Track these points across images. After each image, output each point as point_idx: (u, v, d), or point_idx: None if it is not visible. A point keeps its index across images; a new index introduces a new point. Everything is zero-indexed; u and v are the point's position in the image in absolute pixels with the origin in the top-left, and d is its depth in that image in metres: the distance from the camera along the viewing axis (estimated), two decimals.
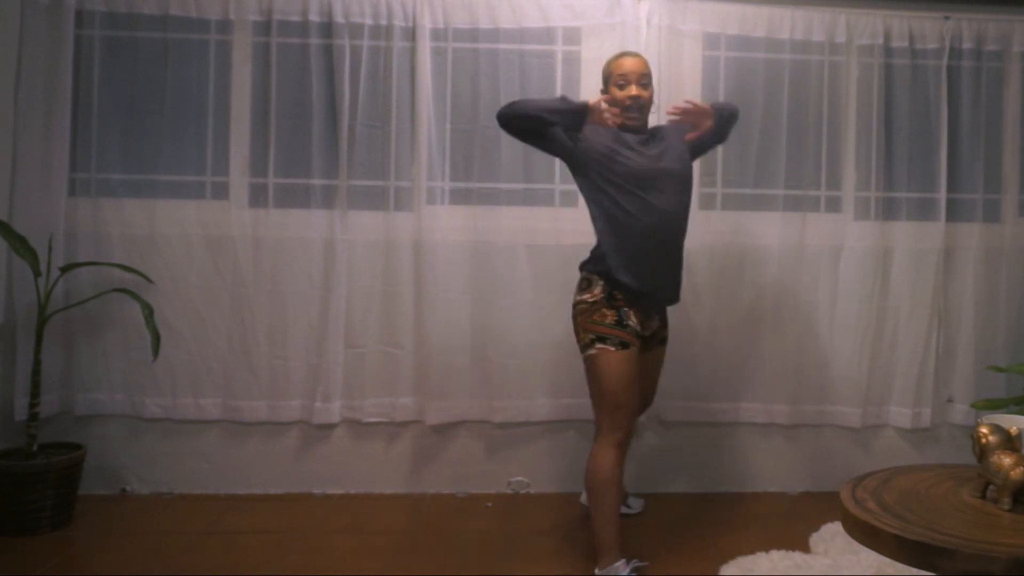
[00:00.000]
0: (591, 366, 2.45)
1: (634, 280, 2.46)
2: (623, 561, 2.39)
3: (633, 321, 2.47)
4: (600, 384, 2.43)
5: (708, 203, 3.32)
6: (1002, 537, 1.64)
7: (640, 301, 2.49)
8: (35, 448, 2.86)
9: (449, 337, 3.20)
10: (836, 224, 3.33)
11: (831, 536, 2.74)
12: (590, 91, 3.24)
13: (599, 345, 2.43)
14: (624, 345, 2.43)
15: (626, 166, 2.47)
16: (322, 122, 3.19)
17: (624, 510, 2.74)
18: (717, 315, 3.28)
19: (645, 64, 2.62)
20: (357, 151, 3.18)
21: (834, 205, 3.36)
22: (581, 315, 2.49)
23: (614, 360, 2.41)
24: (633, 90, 2.55)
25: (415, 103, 3.19)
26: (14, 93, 3.07)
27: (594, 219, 2.54)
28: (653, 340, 2.66)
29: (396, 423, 3.25)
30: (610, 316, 2.45)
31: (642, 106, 2.58)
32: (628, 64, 2.59)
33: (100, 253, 3.11)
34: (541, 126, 2.48)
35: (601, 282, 2.48)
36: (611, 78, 2.62)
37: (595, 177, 2.51)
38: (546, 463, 3.30)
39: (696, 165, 3.26)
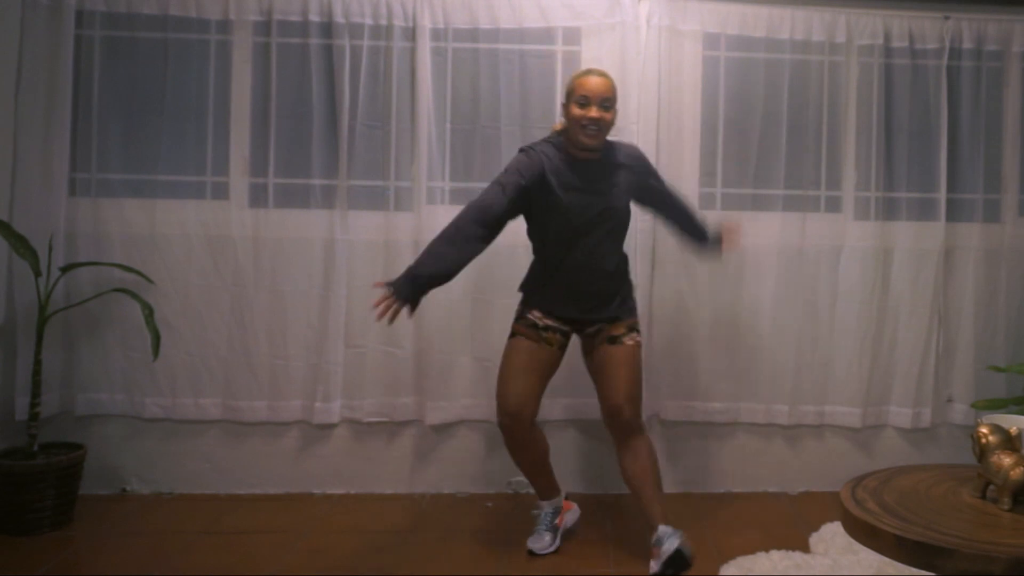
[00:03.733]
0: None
1: (539, 292, 2.68)
2: (546, 502, 2.80)
3: (533, 315, 2.66)
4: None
5: (708, 203, 3.32)
6: (1002, 537, 1.64)
7: (544, 304, 2.67)
8: (35, 448, 2.86)
9: (449, 337, 3.20)
10: (836, 224, 3.33)
11: (831, 536, 2.74)
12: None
13: (510, 338, 2.70)
14: (512, 335, 2.69)
15: (570, 206, 2.56)
16: (322, 122, 3.19)
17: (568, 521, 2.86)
18: (717, 315, 3.28)
19: (610, 86, 2.59)
20: (357, 151, 3.18)
21: (834, 205, 3.35)
22: None
23: (504, 352, 2.68)
24: (593, 112, 2.53)
25: (415, 103, 3.19)
26: (14, 93, 3.07)
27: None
28: (595, 340, 2.67)
29: (396, 423, 3.25)
30: (516, 314, 2.72)
31: (600, 129, 2.55)
32: (592, 84, 2.56)
33: (100, 253, 3.11)
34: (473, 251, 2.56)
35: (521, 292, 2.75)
36: (572, 95, 2.57)
37: (537, 210, 2.62)
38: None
39: (696, 165, 3.29)
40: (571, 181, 2.58)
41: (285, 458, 3.24)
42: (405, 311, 2.44)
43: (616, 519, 3.01)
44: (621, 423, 2.61)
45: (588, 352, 2.73)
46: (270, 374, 3.20)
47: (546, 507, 2.78)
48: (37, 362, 2.88)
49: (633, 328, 2.70)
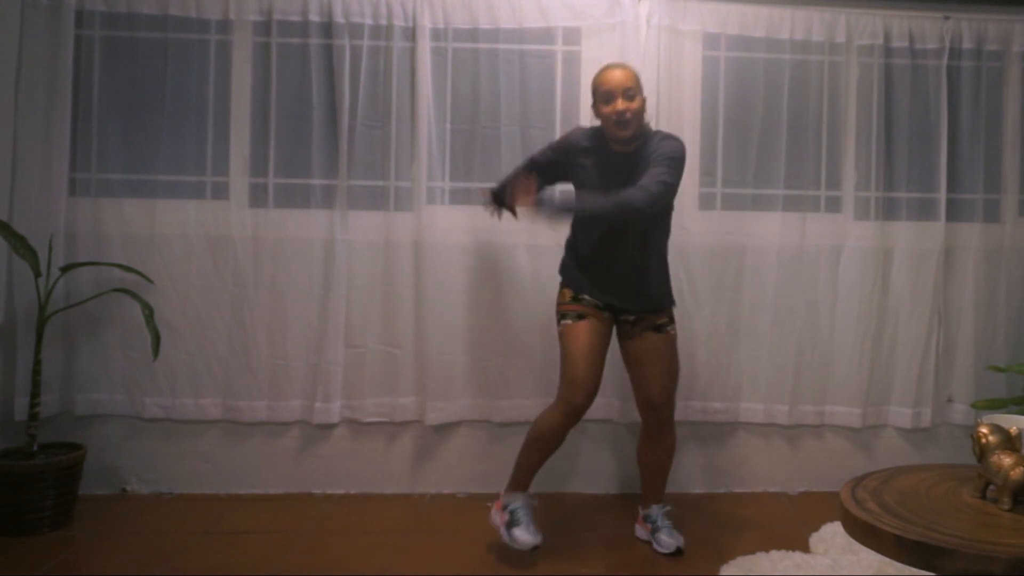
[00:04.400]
0: (559, 341, 2.68)
1: (583, 289, 2.68)
2: (524, 495, 2.70)
3: (589, 297, 2.65)
4: (561, 355, 2.65)
5: (708, 203, 3.32)
6: (1002, 537, 1.64)
7: (587, 288, 2.67)
8: (35, 448, 2.86)
9: (449, 337, 3.20)
10: (836, 224, 3.33)
11: (831, 536, 2.74)
12: (589, 91, 3.24)
13: (563, 321, 2.67)
14: (579, 316, 2.64)
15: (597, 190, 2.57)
16: (322, 122, 3.19)
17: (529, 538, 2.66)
18: (717, 315, 3.28)
19: (631, 76, 2.61)
20: (357, 151, 3.18)
21: (834, 205, 3.35)
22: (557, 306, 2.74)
23: (569, 334, 2.63)
24: (619, 104, 2.56)
25: (415, 103, 3.19)
26: (14, 93, 3.07)
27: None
28: (637, 327, 2.69)
29: (396, 423, 3.25)
30: (565, 295, 2.70)
31: (628, 120, 2.57)
32: (611, 79, 2.59)
33: (100, 253, 3.11)
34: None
35: (560, 276, 2.76)
36: (597, 94, 2.63)
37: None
38: (546, 463, 3.29)
39: (696, 165, 3.29)
40: (606, 166, 2.61)
41: (285, 458, 3.24)
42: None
43: (615, 519, 3.00)
44: (657, 417, 2.71)
45: (627, 338, 2.73)
46: (270, 374, 3.20)
47: (524, 499, 2.69)
48: (37, 362, 2.88)
49: (673, 320, 2.74)
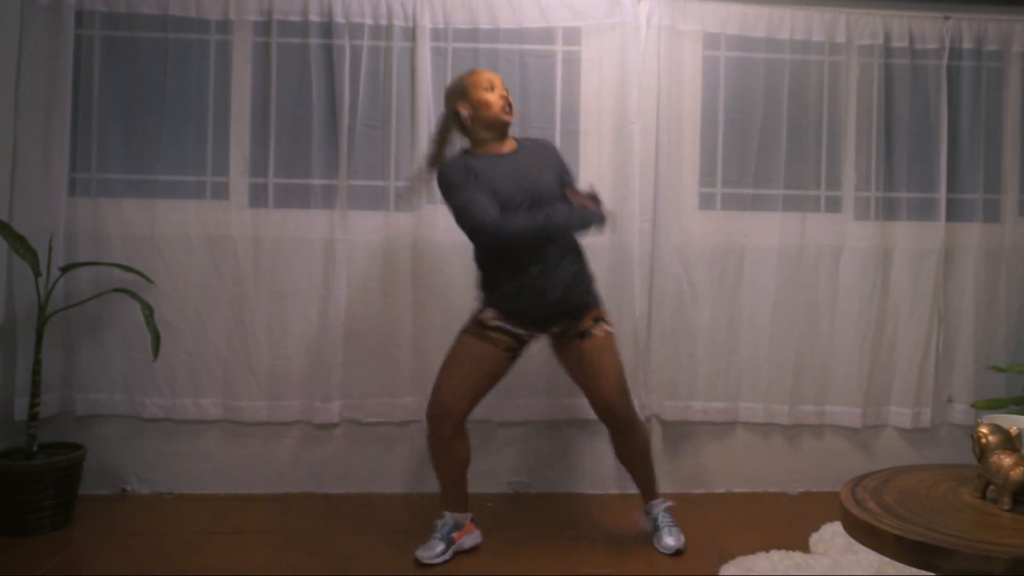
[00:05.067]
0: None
1: (492, 293, 2.64)
2: (449, 514, 2.68)
3: (485, 315, 2.63)
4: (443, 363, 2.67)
5: (708, 203, 3.32)
6: (1002, 537, 1.64)
7: (499, 303, 2.62)
8: (35, 448, 2.86)
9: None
10: (836, 224, 3.33)
11: (831, 536, 2.74)
12: (589, 91, 3.25)
13: (463, 332, 2.67)
14: (462, 331, 2.67)
15: (493, 196, 2.52)
16: (322, 122, 3.19)
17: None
18: (717, 315, 3.28)
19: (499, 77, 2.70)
20: (357, 151, 3.18)
21: (834, 205, 3.35)
22: None
23: (458, 343, 2.65)
24: (504, 91, 2.63)
25: (415, 103, 3.19)
26: (14, 93, 3.07)
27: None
28: (563, 339, 2.67)
29: (396, 423, 3.25)
30: (487, 312, 2.65)
31: (511, 105, 2.64)
32: (486, 74, 2.66)
33: (100, 253, 3.11)
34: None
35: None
36: (476, 88, 2.61)
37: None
38: (546, 463, 3.30)
39: (696, 165, 3.29)
40: (494, 171, 2.57)
41: (285, 458, 3.24)
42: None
43: (616, 519, 3.00)
44: (616, 421, 2.68)
45: (561, 353, 2.71)
46: (270, 374, 3.20)
47: (448, 518, 2.68)
48: (37, 362, 2.88)
49: (600, 319, 2.68)
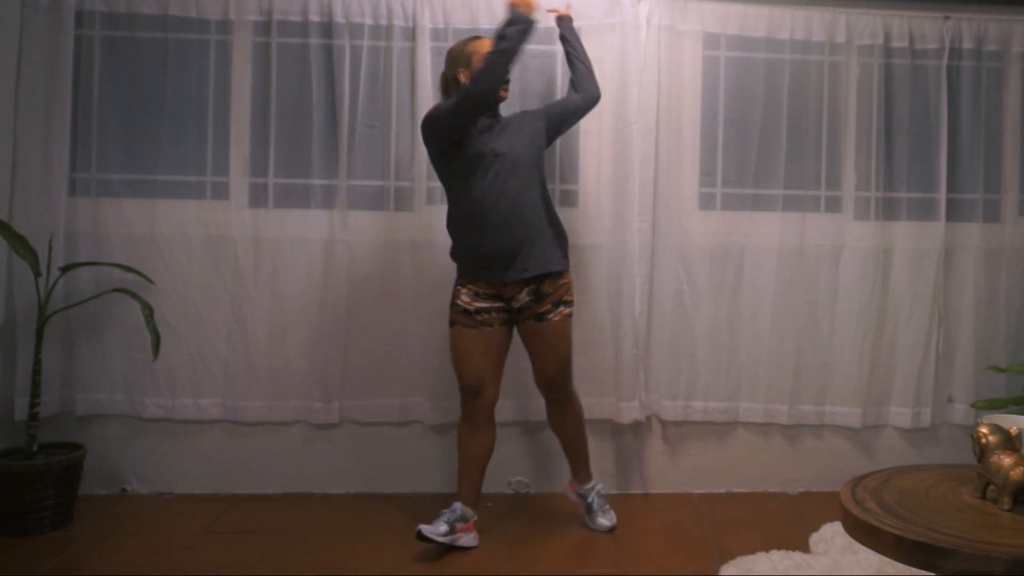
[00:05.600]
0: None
1: (459, 255, 2.79)
2: (459, 504, 2.75)
3: (462, 300, 2.75)
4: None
5: (708, 203, 3.32)
6: (1002, 537, 1.64)
7: (471, 276, 2.75)
8: (35, 448, 2.86)
9: (448, 337, 3.20)
10: (836, 224, 3.33)
11: (831, 536, 2.74)
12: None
13: (451, 325, 2.79)
14: (451, 323, 2.77)
15: (471, 149, 2.68)
16: (322, 122, 3.19)
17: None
18: (717, 315, 3.28)
19: None
20: (357, 151, 3.18)
21: (834, 205, 3.35)
22: None
23: (449, 337, 2.78)
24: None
25: (415, 103, 3.19)
26: (14, 93, 3.07)
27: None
28: (522, 315, 2.77)
29: (396, 423, 3.25)
30: (458, 293, 2.78)
31: (507, 80, 2.73)
32: (485, 43, 2.70)
33: (100, 253, 3.11)
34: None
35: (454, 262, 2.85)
36: (475, 56, 2.70)
37: (447, 160, 2.73)
38: (546, 463, 3.30)
39: (695, 165, 3.29)
40: (473, 130, 2.70)
41: (285, 458, 3.24)
42: None
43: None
44: (555, 393, 2.88)
45: (518, 326, 2.83)
46: (270, 374, 3.19)
47: (458, 508, 2.73)
48: (37, 362, 2.88)
49: (560, 302, 2.77)
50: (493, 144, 2.70)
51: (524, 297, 2.74)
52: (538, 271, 2.73)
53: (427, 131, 2.73)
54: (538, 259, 2.72)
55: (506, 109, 3.19)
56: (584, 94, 2.95)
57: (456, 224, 2.78)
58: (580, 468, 2.97)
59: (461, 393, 2.77)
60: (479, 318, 2.73)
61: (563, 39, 2.97)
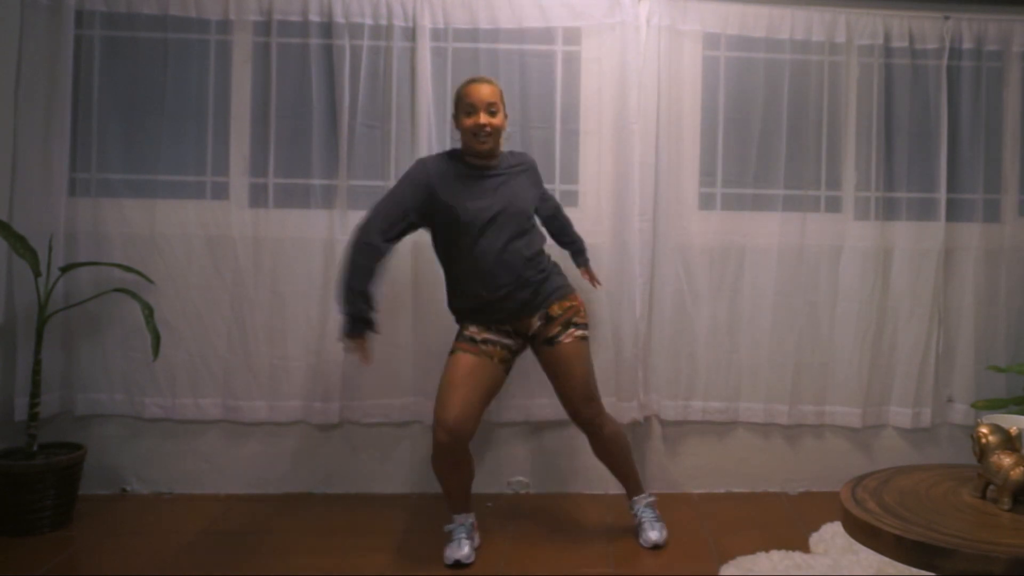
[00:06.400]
0: None
1: (462, 304, 2.69)
2: (463, 515, 2.70)
3: (470, 331, 2.66)
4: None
5: (708, 203, 3.32)
6: (1002, 537, 1.64)
7: (475, 317, 2.67)
8: (35, 448, 2.86)
9: (448, 337, 3.18)
10: (836, 224, 3.33)
11: (831, 536, 2.74)
12: (589, 91, 3.25)
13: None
14: (451, 352, 2.66)
15: (464, 213, 2.58)
16: (322, 122, 3.19)
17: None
18: (717, 315, 3.28)
19: (494, 91, 2.64)
20: (357, 151, 3.18)
21: (834, 205, 3.35)
22: None
23: (445, 367, 2.65)
24: (482, 118, 2.58)
25: (415, 103, 3.19)
26: (14, 93, 3.07)
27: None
28: (536, 342, 2.71)
29: (396, 423, 3.25)
30: (459, 329, 2.71)
31: (488, 134, 2.60)
32: (476, 92, 2.61)
33: (100, 253, 3.11)
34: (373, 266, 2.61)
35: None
36: (460, 104, 2.64)
37: (438, 225, 2.67)
38: (546, 463, 3.30)
39: (696, 165, 3.29)
40: (464, 189, 2.62)
41: (285, 458, 3.24)
42: (369, 338, 2.60)
43: (616, 519, 3.00)
44: (583, 422, 2.75)
45: (535, 354, 2.75)
46: (270, 374, 3.19)
47: (461, 519, 2.70)
48: (37, 362, 2.88)
49: (570, 324, 2.69)
50: (486, 205, 2.60)
51: (536, 322, 2.69)
52: (551, 301, 2.69)
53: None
54: (546, 294, 2.68)
55: (509, 108, 3.21)
56: (560, 226, 2.98)
57: (458, 282, 2.69)
58: (630, 487, 2.87)
59: (436, 430, 2.54)
60: (484, 348, 2.63)
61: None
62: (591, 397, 2.73)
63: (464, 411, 2.54)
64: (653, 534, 2.76)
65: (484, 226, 2.59)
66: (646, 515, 2.82)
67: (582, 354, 2.71)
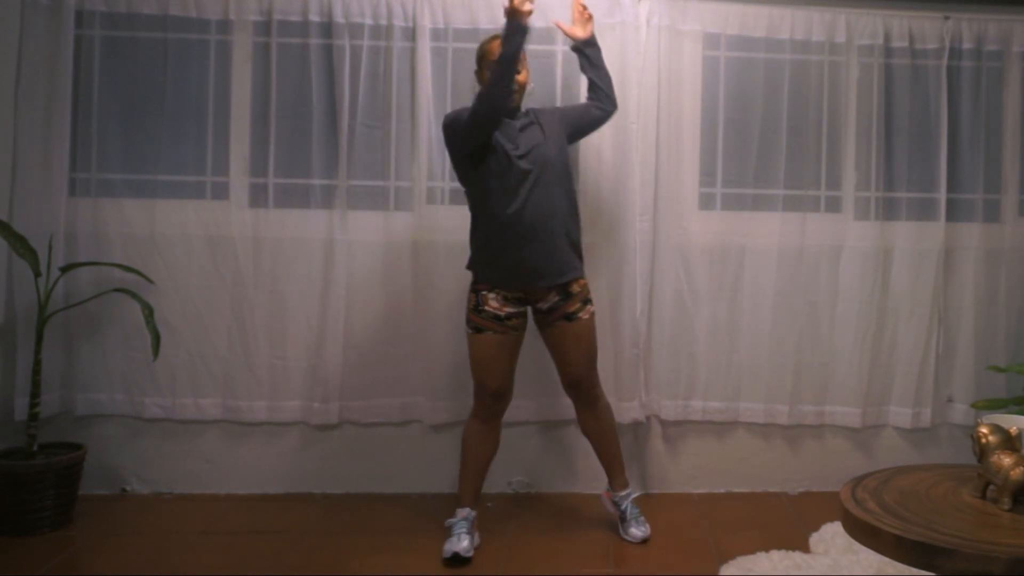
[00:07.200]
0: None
1: (488, 267, 2.73)
2: (467, 510, 2.74)
3: (491, 306, 2.70)
4: (470, 364, 2.77)
5: (708, 203, 3.32)
6: (1002, 537, 1.64)
7: (498, 283, 2.72)
8: (35, 448, 2.86)
9: (448, 337, 3.20)
10: (836, 224, 3.33)
11: (831, 536, 2.74)
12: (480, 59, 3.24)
13: (467, 330, 2.76)
14: (478, 330, 2.71)
15: (504, 159, 2.64)
16: (322, 122, 3.19)
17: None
18: (717, 315, 3.28)
19: None
20: (357, 151, 3.18)
21: (834, 205, 3.35)
22: None
23: (472, 343, 2.74)
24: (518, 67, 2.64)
25: (415, 103, 3.19)
26: (14, 93, 3.07)
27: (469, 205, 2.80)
28: (551, 316, 2.75)
29: (396, 423, 3.25)
30: (471, 301, 2.75)
31: (517, 87, 2.68)
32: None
33: (100, 253, 3.11)
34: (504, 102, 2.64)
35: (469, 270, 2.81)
36: (484, 61, 2.71)
37: (471, 167, 2.69)
38: (546, 463, 3.30)
39: (695, 165, 3.29)
40: (507, 135, 2.68)
41: (285, 458, 3.24)
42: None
43: (615, 519, 3.00)
44: (582, 393, 2.85)
45: (544, 327, 2.81)
46: (270, 374, 3.19)
47: (464, 513, 2.73)
48: (37, 362, 2.88)
49: (587, 300, 2.79)
50: (521, 152, 2.66)
51: (553, 297, 2.73)
52: (572, 276, 2.75)
53: (447, 137, 2.73)
54: (571, 265, 2.74)
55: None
56: (603, 112, 2.93)
57: (485, 239, 2.74)
58: (615, 473, 2.91)
59: (482, 396, 2.74)
60: (510, 323, 2.72)
61: (581, 53, 2.91)
62: (594, 369, 2.85)
63: (507, 378, 2.75)
64: (639, 531, 2.81)
65: (522, 175, 2.64)
66: (632, 511, 2.86)
67: (593, 328, 2.83)
